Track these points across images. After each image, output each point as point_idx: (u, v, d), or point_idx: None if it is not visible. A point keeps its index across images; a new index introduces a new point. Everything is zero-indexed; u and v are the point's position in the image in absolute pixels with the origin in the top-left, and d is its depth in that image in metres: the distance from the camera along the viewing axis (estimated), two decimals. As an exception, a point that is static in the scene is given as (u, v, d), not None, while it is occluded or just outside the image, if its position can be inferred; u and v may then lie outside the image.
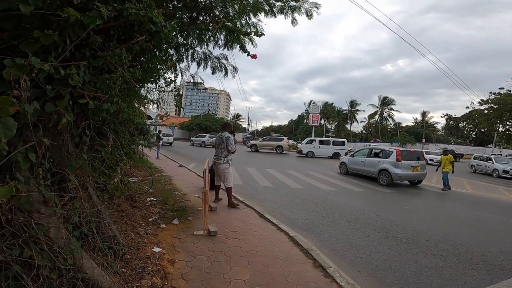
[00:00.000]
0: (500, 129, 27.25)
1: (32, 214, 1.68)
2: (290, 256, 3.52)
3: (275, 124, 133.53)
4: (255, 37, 4.92)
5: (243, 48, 4.58)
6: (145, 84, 4.80)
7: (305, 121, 67.52)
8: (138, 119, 4.81)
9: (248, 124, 70.31)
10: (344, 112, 68.68)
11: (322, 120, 62.13)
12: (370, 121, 66.93)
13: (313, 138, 25.39)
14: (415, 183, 10.84)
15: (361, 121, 69.23)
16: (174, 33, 2.81)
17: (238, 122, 74.98)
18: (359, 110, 67.64)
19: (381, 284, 3.12)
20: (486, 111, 24.49)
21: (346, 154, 19.77)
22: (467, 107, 27.75)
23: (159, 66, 3.69)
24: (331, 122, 69.94)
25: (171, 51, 4.13)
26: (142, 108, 7.01)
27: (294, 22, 5.56)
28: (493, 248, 4.44)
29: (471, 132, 55.76)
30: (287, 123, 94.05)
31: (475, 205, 7.94)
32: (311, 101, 63.93)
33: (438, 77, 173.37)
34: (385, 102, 63.20)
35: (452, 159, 10.00)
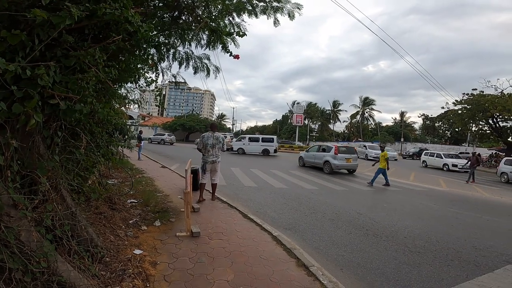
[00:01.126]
0: (473, 129, 28.71)
1: (1, 217, 1.62)
2: (273, 255, 3.56)
3: (259, 124, 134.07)
4: (237, 37, 4.94)
5: (225, 48, 4.58)
6: (124, 84, 4.70)
7: (289, 121, 68.16)
8: (116, 119, 4.69)
9: (233, 124, 70.19)
10: (327, 112, 70.09)
11: (306, 120, 63.01)
12: (352, 121, 68.62)
13: (243, 135, 25.67)
14: (351, 171, 13.79)
15: (344, 121, 70.95)
16: (155, 32, 2.77)
17: (223, 122, 74.54)
18: (341, 110, 69.28)
19: (362, 281, 3.20)
20: (460, 111, 25.67)
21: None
22: (443, 108, 29.06)
23: (139, 66, 3.63)
24: (315, 122, 71.14)
25: (152, 51, 4.07)
26: (123, 108, 6.85)
27: (276, 22, 5.61)
28: (467, 244, 4.60)
29: (446, 132, 58.42)
30: (272, 123, 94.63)
31: (450, 203, 8.32)
32: (294, 101, 64.76)
33: (416, 78, 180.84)
34: (366, 103, 65.04)
35: (386, 156, 10.68)
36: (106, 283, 2.28)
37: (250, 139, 23.74)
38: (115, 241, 3.20)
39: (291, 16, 5.52)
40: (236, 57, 4.61)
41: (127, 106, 6.88)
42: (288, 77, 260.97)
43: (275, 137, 25.20)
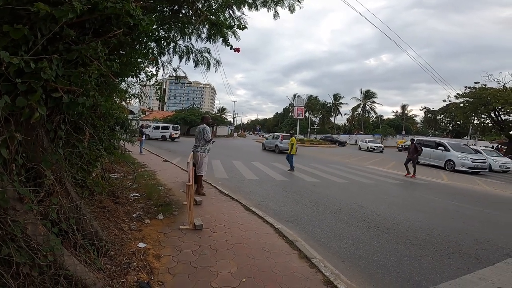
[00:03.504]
0: (475, 122, 28.62)
1: (7, 211, 1.63)
2: (275, 247, 3.58)
3: (260, 117, 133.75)
4: (238, 30, 4.89)
5: (226, 42, 4.54)
6: (125, 78, 4.67)
7: (290, 114, 68.01)
8: (118, 113, 4.68)
9: (234, 117, 70.05)
10: (328, 105, 69.87)
11: (307, 113, 62.86)
12: (353, 114, 68.42)
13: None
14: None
15: (345, 114, 70.77)
16: (154, 26, 2.75)
17: (224, 115, 74.39)
18: (342, 103, 69.07)
19: (364, 273, 3.22)
20: (462, 105, 25.54)
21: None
22: (444, 101, 29.14)
23: (139, 60, 3.60)
24: (316, 115, 70.95)
25: (152, 45, 4.04)
26: (123, 103, 6.83)
27: (276, 15, 5.56)
28: (468, 237, 4.61)
29: (448, 125, 58.20)
30: (273, 116, 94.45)
31: (450, 195, 8.35)
32: (295, 94, 64.46)
33: (418, 72, 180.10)
34: (367, 95, 64.74)
35: (294, 142, 11.21)
36: (112, 277, 2.31)
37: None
38: (119, 235, 3.24)
39: (291, 9, 5.46)
40: (237, 50, 4.57)
41: (127, 101, 6.87)
42: (289, 71, 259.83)
43: (173, 126, 28.59)
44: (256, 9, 5.23)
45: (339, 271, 3.15)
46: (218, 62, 5.76)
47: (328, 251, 3.75)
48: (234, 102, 79.21)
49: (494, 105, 22.15)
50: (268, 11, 5.36)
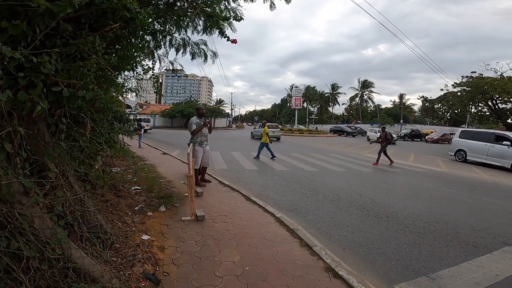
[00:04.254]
0: (473, 111, 28.65)
1: (14, 205, 1.66)
2: (277, 236, 3.64)
3: (258, 108, 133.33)
4: (234, 21, 4.85)
5: (222, 33, 4.49)
6: (122, 72, 4.64)
7: (288, 104, 67.80)
8: (116, 107, 4.67)
9: (232, 109, 69.83)
10: (326, 95, 69.61)
11: (305, 103, 62.68)
12: (351, 104, 68.30)
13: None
14: (278, 139, 22.60)
15: (343, 104, 70.63)
16: (150, 19, 2.71)
17: (221, 107, 74.03)
18: (340, 93, 68.92)
19: (364, 260, 3.29)
20: (459, 94, 25.47)
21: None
22: (442, 90, 29.03)
23: (135, 54, 3.57)
24: (314, 105, 70.79)
25: (148, 38, 4.00)
26: (120, 98, 6.79)
27: (272, 6, 5.50)
28: (466, 225, 4.67)
29: (446, 113, 58.32)
30: (270, 107, 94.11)
31: (448, 183, 8.44)
32: (293, 84, 64.17)
33: (417, 61, 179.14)
34: (365, 85, 64.50)
35: (266, 131, 11.53)
36: (118, 269, 2.36)
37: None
38: (123, 228, 3.28)
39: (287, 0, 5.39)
40: (234, 41, 4.54)
41: (124, 95, 6.83)
42: (286, 62, 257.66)
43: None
44: (252, 0, 5.16)
45: (340, 258, 3.20)
46: (215, 54, 5.72)
47: (329, 239, 3.82)
48: (231, 93, 78.99)
49: (491, 94, 22.14)
50: (264, 2, 5.29)
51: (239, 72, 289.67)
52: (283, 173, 8.50)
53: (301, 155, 12.95)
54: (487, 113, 27.38)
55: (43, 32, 1.69)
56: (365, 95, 65.27)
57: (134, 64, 3.87)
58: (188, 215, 4.09)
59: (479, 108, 27.17)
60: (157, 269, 2.66)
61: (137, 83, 6.56)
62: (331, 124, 55.78)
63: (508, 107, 24.69)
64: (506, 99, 22.02)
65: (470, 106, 26.59)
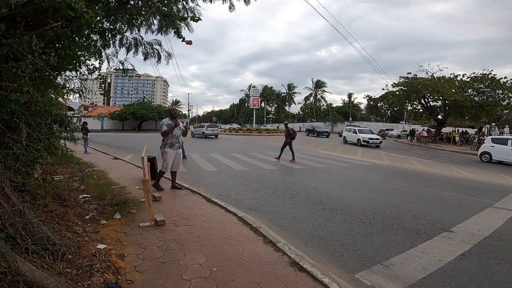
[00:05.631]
0: (409, 108, 32.21)
1: None
2: (241, 235, 3.68)
3: (216, 109, 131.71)
4: (192, 22, 4.75)
5: (178, 34, 4.38)
6: (63, 72, 4.26)
7: (246, 104, 68.39)
8: (56, 110, 4.26)
9: (189, 110, 67.92)
10: (283, 95, 71.82)
11: (263, 103, 63.90)
12: (306, 103, 71.52)
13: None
14: (216, 136, 26.03)
15: (299, 103, 73.58)
16: (98, 18, 2.53)
17: (178, 108, 71.45)
18: (296, 93, 71.69)
19: (325, 253, 3.46)
20: (397, 93, 28.43)
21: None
22: (383, 89, 31.87)
23: (79, 53, 3.32)
24: (271, 104, 72.50)
25: (95, 37, 3.74)
26: (60, 99, 6.18)
27: (231, 7, 5.53)
28: (408, 213, 5.06)
29: (387, 111, 64.50)
30: (229, 107, 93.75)
31: (391, 175, 9.43)
32: (251, 84, 64.92)
33: (363, 62, 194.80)
34: (318, 85, 68.08)
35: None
36: (75, 280, 2.20)
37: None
38: (73, 238, 3.04)
39: (246, 1, 5.49)
40: (189, 42, 4.47)
41: (65, 97, 6.23)
42: (245, 62, 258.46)
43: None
44: (211, 1, 5.13)
45: (303, 252, 3.33)
46: (169, 55, 5.55)
47: (291, 235, 3.97)
48: (188, 94, 76.75)
49: (423, 93, 25.24)
50: (223, 3, 5.30)
51: (197, 72, 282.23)
52: (243, 173, 8.61)
53: (260, 154, 13.24)
54: (420, 110, 31.08)
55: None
56: (319, 94, 68.95)
57: (77, 64, 3.59)
58: (146, 220, 3.93)
59: (414, 105, 30.67)
60: (119, 277, 2.53)
61: (81, 83, 6.04)
62: (317, 122, 57.17)
63: (438, 105, 28.36)
64: (436, 97, 25.24)
65: (407, 104, 29.81)
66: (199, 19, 4.51)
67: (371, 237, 3.99)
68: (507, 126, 30.95)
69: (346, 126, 31.35)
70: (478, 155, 15.48)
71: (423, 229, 4.38)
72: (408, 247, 3.69)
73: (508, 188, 8.05)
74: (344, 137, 24.81)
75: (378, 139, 21.93)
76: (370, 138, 21.71)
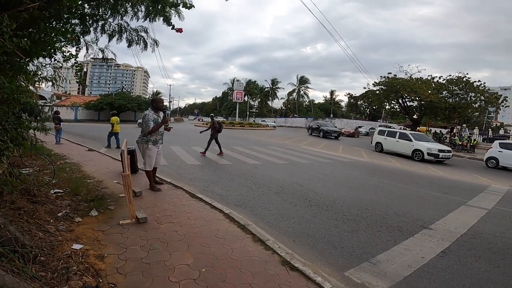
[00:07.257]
0: (387, 107, 33.36)
1: None
2: (229, 233, 3.57)
3: (199, 101, 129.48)
4: (183, 9, 4.46)
5: (167, 21, 4.11)
6: (36, 59, 3.88)
7: (229, 98, 67.68)
8: (25, 98, 3.89)
9: (170, 101, 66.15)
10: (266, 89, 71.79)
11: (246, 97, 63.51)
12: (289, 98, 72.05)
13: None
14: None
15: (282, 98, 74.00)
16: (80, 1, 2.27)
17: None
18: (279, 88, 71.96)
19: (314, 250, 3.44)
20: (377, 92, 29.33)
21: None
22: (364, 88, 32.62)
23: (55, 38, 3.02)
24: (254, 99, 72.31)
25: (74, 22, 3.42)
26: (31, 87, 5.70)
27: None
28: (390, 211, 5.14)
29: (366, 109, 66.51)
30: (211, 100, 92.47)
31: (371, 172, 9.70)
32: (234, 78, 64.25)
33: (346, 61, 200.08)
34: (302, 81, 68.77)
35: (113, 121, 11.64)
36: (51, 284, 2.00)
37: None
38: (45, 238, 2.79)
39: None
40: (179, 30, 4.25)
41: (36, 85, 5.74)
42: (230, 55, 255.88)
43: None
44: None
45: (293, 250, 3.28)
46: (156, 42, 5.24)
47: (279, 232, 3.91)
48: (170, 85, 73.97)
49: (402, 93, 26.20)
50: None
51: (180, 63, 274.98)
52: (227, 167, 8.48)
53: (243, 148, 13.13)
54: (397, 110, 32.28)
55: None
56: (302, 90, 69.70)
57: (52, 50, 3.27)
58: (127, 218, 3.71)
59: (392, 105, 31.80)
60: (100, 280, 2.34)
61: (55, 72, 5.58)
62: (271, 118, 57.53)
63: (414, 105, 29.57)
64: (413, 97, 26.28)
65: (385, 103, 30.84)
66: (192, 6, 4.24)
67: (357, 234, 4.04)
68: (476, 127, 32.98)
69: (379, 126, 26.17)
70: (484, 160, 14.24)
71: (404, 226, 4.49)
72: (392, 244, 3.77)
73: (479, 187, 8.54)
74: (379, 143, 16.89)
75: (450, 151, 14.31)
76: (440, 150, 13.73)
